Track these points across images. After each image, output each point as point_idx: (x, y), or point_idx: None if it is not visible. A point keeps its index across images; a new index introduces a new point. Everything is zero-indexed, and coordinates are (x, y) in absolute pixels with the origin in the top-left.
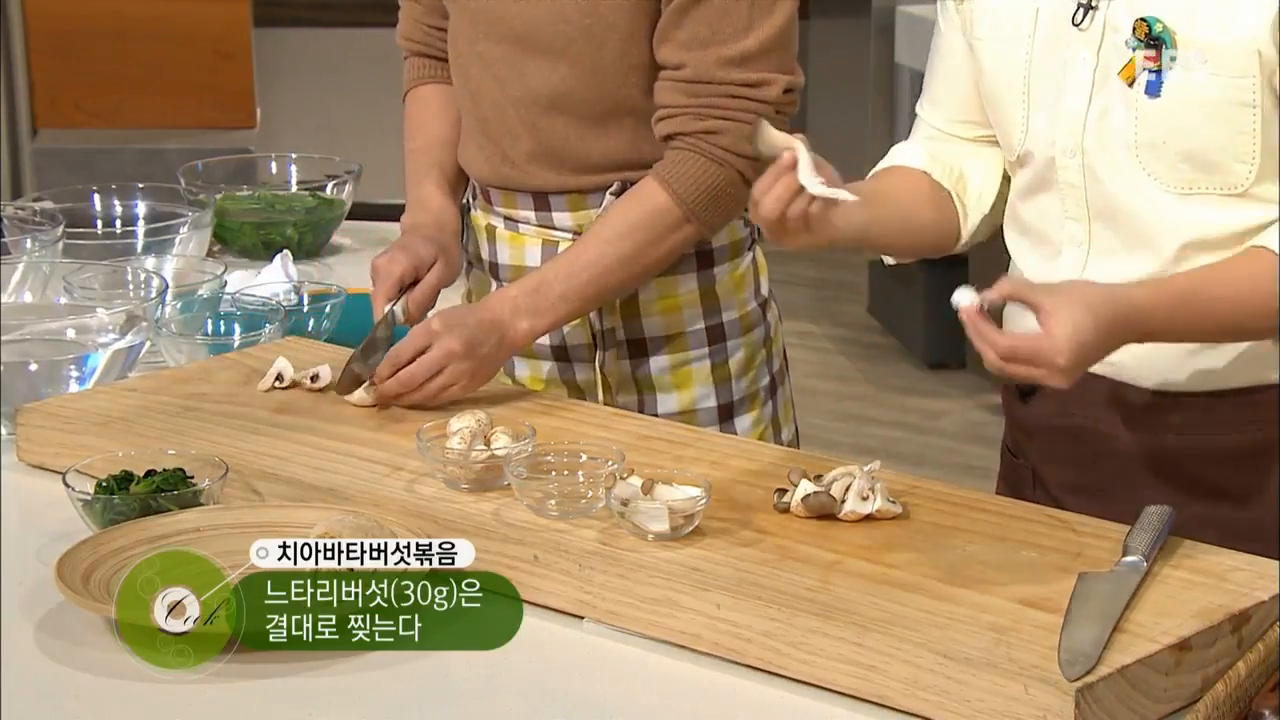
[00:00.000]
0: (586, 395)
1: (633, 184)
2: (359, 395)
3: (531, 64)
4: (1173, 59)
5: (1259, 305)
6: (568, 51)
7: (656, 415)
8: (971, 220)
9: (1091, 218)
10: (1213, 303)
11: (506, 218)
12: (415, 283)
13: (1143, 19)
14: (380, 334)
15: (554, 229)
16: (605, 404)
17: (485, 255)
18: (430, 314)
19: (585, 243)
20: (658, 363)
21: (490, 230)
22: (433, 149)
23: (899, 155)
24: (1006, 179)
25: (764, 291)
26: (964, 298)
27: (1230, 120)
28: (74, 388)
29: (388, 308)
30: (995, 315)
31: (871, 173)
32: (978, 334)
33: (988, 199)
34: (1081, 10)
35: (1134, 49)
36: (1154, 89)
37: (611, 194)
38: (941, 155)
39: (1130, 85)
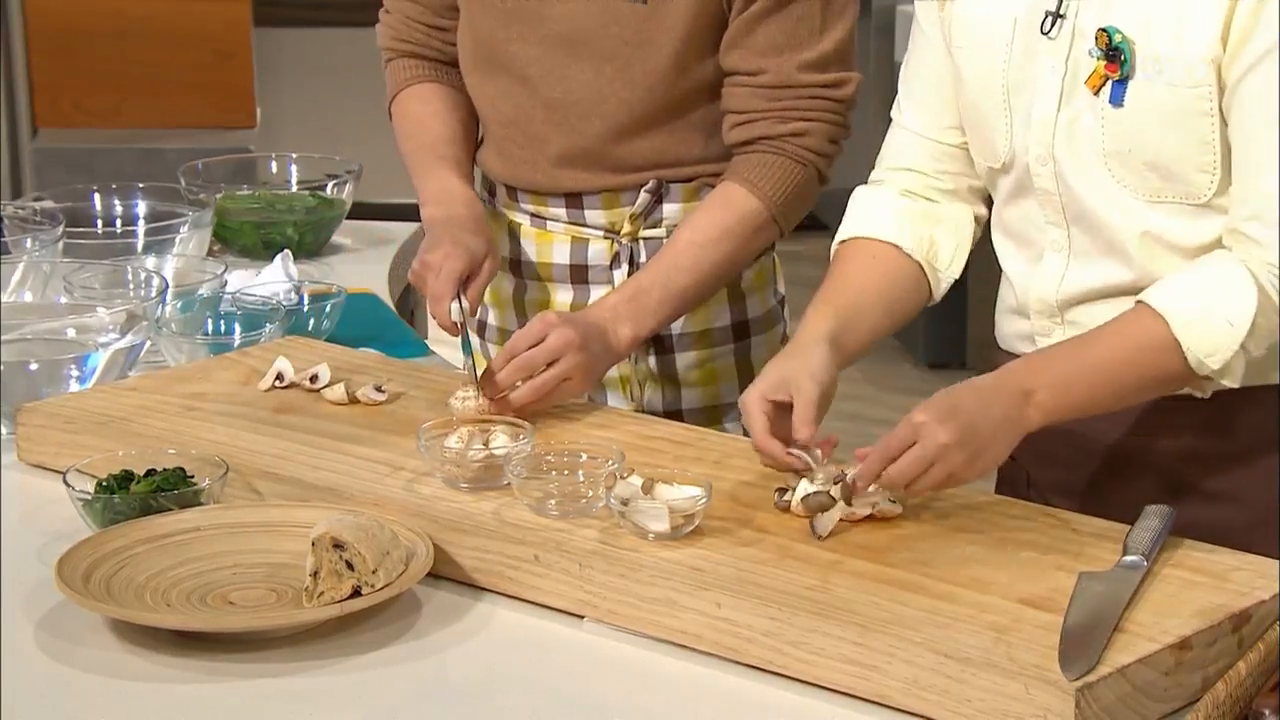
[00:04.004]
0: (609, 391)
1: (668, 181)
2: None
3: (574, 66)
4: (1125, 68)
5: (1144, 358)
6: (618, 55)
7: (681, 410)
8: (943, 285)
9: (1069, 222)
10: (1095, 353)
11: (534, 215)
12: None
13: (1104, 29)
14: (467, 338)
15: (585, 226)
16: (631, 401)
17: (507, 252)
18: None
19: (678, 247)
20: (684, 359)
21: (514, 226)
22: (441, 144)
23: (869, 221)
24: (978, 226)
25: (780, 289)
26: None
27: (1189, 130)
28: (74, 387)
29: (455, 308)
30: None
31: (840, 236)
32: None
33: (958, 264)
34: (1050, 19)
35: (1097, 58)
36: (1117, 98)
37: (647, 191)
38: (913, 222)
39: (1096, 94)
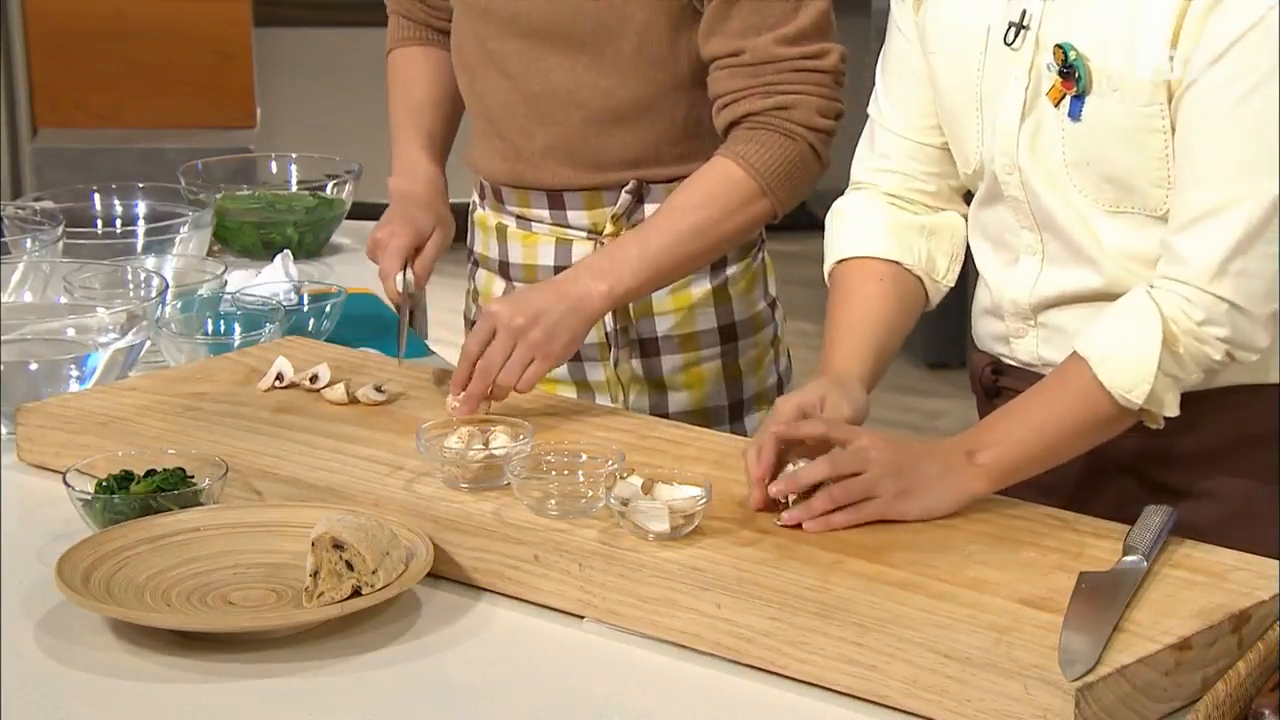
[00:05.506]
0: (597, 394)
1: (649, 183)
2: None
3: (552, 58)
4: (1081, 85)
5: (1078, 405)
6: (587, 45)
7: (668, 413)
8: (941, 293)
9: (1040, 228)
10: (1033, 408)
11: (519, 216)
12: (417, 251)
13: (1060, 46)
14: (404, 308)
15: (568, 227)
16: (617, 403)
17: (495, 254)
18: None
19: (659, 212)
20: (670, 362)
21: (501, 229)
22: (418, 111)
23: (866, 239)
24: (966, 228)
25: (772, 291)
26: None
27: (1143, 146)
28: (74, 387)
29: (399, 279)
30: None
31: (839, 254)
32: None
33: (954, 274)
34: (1013, 30)
35: (1054, 73)
36: (1075, 113)
37: (628, 192)
38: (910, 236)
39: (1056, 106)
